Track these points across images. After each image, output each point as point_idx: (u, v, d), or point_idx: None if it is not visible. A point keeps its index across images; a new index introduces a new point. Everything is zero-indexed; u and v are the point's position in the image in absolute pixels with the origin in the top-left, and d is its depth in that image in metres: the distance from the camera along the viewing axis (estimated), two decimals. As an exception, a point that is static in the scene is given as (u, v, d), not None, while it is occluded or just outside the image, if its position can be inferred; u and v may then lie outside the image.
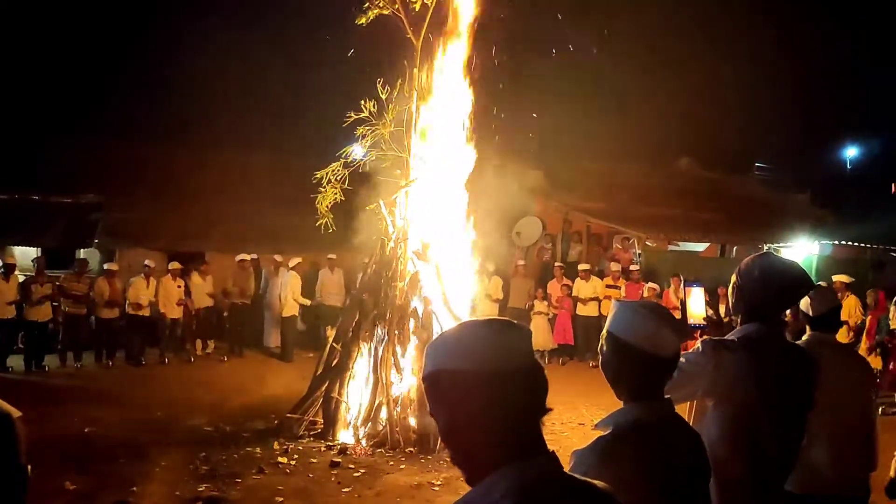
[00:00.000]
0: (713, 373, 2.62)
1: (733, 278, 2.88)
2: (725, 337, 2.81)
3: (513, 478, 1.37)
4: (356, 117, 9.15)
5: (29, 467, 1.52)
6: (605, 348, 2.21)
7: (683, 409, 2.87)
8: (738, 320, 2.84)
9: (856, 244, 18.20)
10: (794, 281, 2.79)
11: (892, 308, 11.17)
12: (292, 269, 14.30)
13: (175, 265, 13.78)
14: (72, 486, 6.63)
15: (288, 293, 14.16)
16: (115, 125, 17.80)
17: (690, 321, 3.10)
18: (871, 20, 24.04)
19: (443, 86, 9.42)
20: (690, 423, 2.77)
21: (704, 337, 2.76)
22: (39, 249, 14.91)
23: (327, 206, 9.36)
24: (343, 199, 9.41)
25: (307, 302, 14.60)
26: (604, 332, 2.24)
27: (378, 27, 9.07)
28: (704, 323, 3.09)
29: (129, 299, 13.26)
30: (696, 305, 3.12)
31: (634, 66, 20.14)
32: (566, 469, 1.74)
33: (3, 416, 1.54)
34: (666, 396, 2.18)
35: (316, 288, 15.06)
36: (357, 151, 9.83)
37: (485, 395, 1.40)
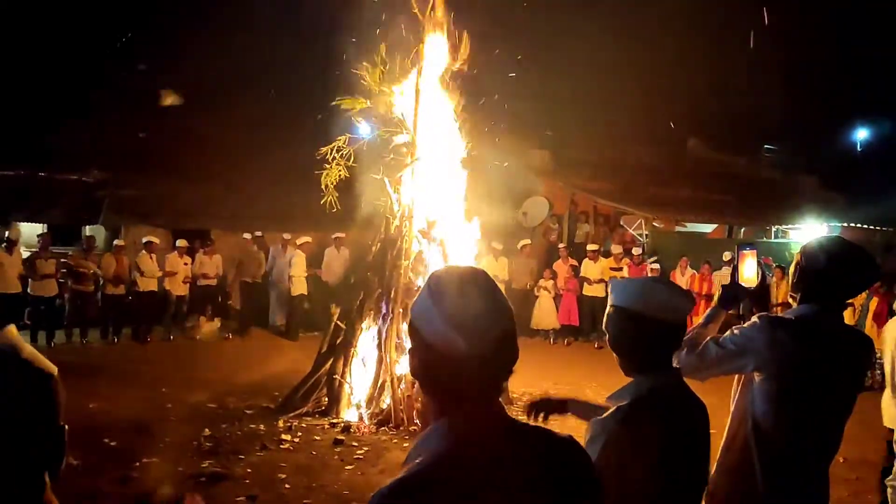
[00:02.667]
0: (767, 349, 2.61)
1: (796, 257, 2.82)
2: (783, 315, 2.78)
3: (456, 424, 1.48)
4: (360, 91, 9.06)
5: (66, 427, 1.54)
6: (612, 324, 2.24)
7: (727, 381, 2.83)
8: (797, 299, 2.80)
9: (865, 226, 18.08)
10: (862, 270, 2.73)
11: None
12: (299, 247, 14.26)
13: (182, 242, 13.81)
14: (76, 461, 6.65)
15: (295, 272, 14.16)
16: (121, 102, 17.71)
17: (743, 285, 3.07)
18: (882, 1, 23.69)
19: (448, 63, 9.31)
20: (735, 394, 2.80)
21: (762, 313, 2.73)
22: (45, 226, 14.94)
23: (332, 184, 9.28)
24: (348, 175, 9.33)
25: (307, 271, 14.48)
26: (609, 308, 2.27)
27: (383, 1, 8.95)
28: (756, 287, 3.04)
29: (139, 275, 13.30)
30: (749, 270, 3.08)
31: (642, 46, 19.91)
32: (585, 439, 2.01)
33: (45, 375, 1.53)
34: (675, 366, 2.24)
35: (323, 265, 15.06)
36: (363, 128, 9.76)
37: (444, 352, 1.45)
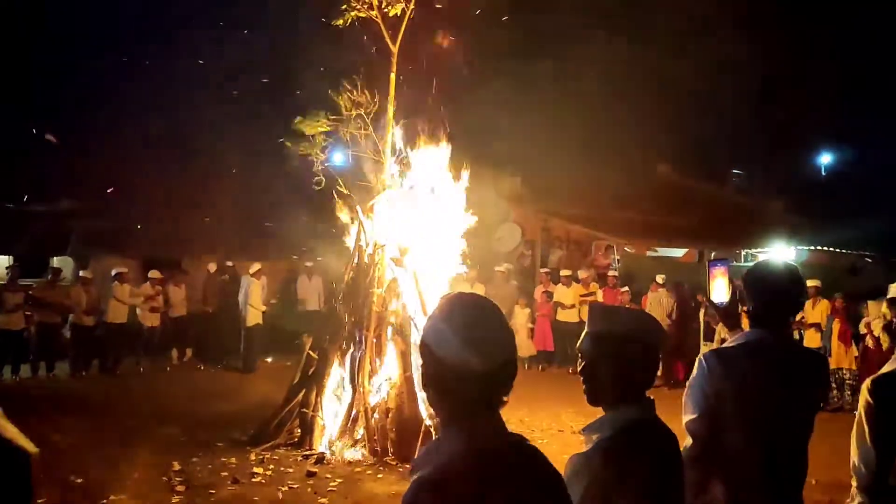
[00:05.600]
0: (723, 382, 2.62)
1: (740, 284, 2.88)
2: (725, 344, 2.81)
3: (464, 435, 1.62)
4: (334, 118, 9.10)
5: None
6: (592, 351, 2.19)
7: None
8: (746, 325, 2.83)
9: (831, 249, 18.39)
10: (784, 288, 2.78)
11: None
12: (252, 275, 13.80)
13: (155, 273, 13.64)
14: (41, 498, 6.47)
15: (251, 301, 13.71)
16: (90, 133, 17.58)
17: (715, 300, 3.09)
18: (844, 29, 24.38)
19: (419, 92, 9.38)
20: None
21: (705, 352, 2.74)
22: (12, 258, 14.69)
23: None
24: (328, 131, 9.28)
25: (263, 308, 14.01)
26: (586, 336, 2.22)
27: (355, 31, 9.02)
28: (727, 304, 3.06)
29: (114, 304, 13.11)
30: (719, 287, 3.10)
31: (613, 74, 20.24)
32: (563, 475, 1.94)
33: (18, 452, 1.50)
34: (650, 398, 2.19)
35: (299, 294, 14.97)
36: (336, 157, 9.80)
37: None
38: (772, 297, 2.74)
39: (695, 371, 2.69)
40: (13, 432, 1.50)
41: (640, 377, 2.16)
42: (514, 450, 1.68)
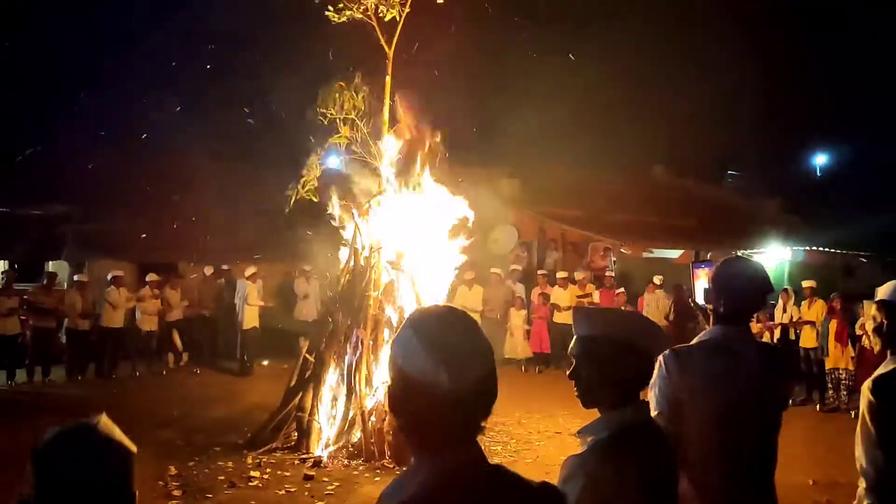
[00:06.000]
0: (680, 382, 2.64)
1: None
2: (691, 343, 2.83)
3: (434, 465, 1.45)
4: (329, 116, 9.10)
5: (136, 493, 1.63)
6: (581, 355, 2.18)
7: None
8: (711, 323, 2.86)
9: (827, 250, 18.40)
10: (748, 285, 2.81)
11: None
12: (248, 278, 13.84)
13: (153, 276, 13.61)
14: None
15: (246, 303, 13.71)
16: (83, 134, 17.52)
17: (700, 301, 3.12)
18: (837, 29, 24.46)
19: (415, 95, 9.38)
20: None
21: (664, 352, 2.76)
22: (6, 262, 14.65)
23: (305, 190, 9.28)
24: (316, 199, 9.31)
25: (261, 303, 14.03)
26: (575, 339, 2.21)
27: (350, 32, 9.01)
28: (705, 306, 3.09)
29: (109, 309, 13.07)
30: (702, 288, 3.12)
31: (609, 76, 20.28)
32: (559, 477, 1.95)
33: (125, 450, 1.66)
34: (644, 400, 2.21)
35: (298, 300, 14.94)
36: (332, 159, 9.78)
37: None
38: (733, 294, 2.77)
39: (655, 372, 2.68)
40: (119, 433, 1.69)
41: (632, 380, 2.16)
42: (493, 481, 1.49)
